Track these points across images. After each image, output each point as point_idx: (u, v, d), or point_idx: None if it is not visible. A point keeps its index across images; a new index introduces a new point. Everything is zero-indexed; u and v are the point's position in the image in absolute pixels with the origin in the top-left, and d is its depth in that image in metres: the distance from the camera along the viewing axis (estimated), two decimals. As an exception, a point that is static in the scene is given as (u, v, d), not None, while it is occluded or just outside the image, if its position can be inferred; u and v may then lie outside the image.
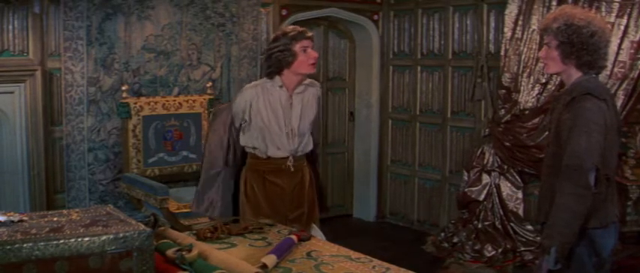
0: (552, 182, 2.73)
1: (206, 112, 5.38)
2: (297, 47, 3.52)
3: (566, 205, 2.58)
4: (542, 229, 2.78)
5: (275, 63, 3.56)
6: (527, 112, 5.33)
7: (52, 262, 2.14)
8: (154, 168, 5.20)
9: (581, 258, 2.69)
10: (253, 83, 3.71)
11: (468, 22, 6.10)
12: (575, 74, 2.75)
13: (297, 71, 3.57)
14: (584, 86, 2.70)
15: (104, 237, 2.23)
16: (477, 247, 5.47)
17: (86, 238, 2.21)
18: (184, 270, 2.64)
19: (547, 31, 2.78)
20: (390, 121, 6.93)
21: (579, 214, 2.59)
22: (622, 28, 4.88)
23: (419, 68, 6.58)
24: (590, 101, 2.64)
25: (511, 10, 5.43)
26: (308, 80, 3.72)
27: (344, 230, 6.22)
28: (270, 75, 3.61)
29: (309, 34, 3.60)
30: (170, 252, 2.71)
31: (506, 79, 5.48)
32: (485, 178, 5.66)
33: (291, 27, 3.66)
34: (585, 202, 2.59)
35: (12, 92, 4.86)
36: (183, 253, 2.66)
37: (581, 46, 2.68)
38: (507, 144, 5.47)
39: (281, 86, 3.60)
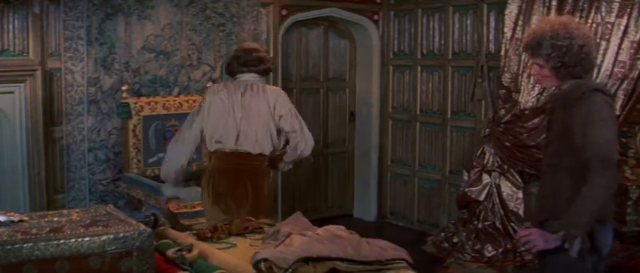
0: (556, 180, 2.73)
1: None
2: None
3: (595, 196, 2.56)
4: (542, 225, 2.76)
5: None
6: (527, 112, 5.32)
7: (53, 262, 2.14)
8: (154, 168, 5.19)
9: (582, 254, 2.68)
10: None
11: (468, 22, 6.10)
12: (570, 80, 2.77)
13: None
14: (590, 83, 2.76)
15: (104, 237, 2.23)
16: (477, 247, 5.47)
17: (86, 238, 2.21)
18: (184, 270, 2.64)
19: (534, 54, 2.78)
20: (390, 121, 6.93)
21: (602, 206, 2.61)
22: (622, 28, 4.87)
23: (419, 68, 6.58)
24: (599, 96, 2.67)
25: (511, 10, 5.43)
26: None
27: (344, 230, 6.21)
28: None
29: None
30: (170, 252, 2.71)
31: (506, 79, 5.48)
32: (486, 178, 5.65)
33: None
34: (611, 193, 2.61)
35: (12, 92, 4.86)
36: (184, 253, 2.66)
37: (574, 64, 2.71)
38: (507, 144, 5.47)
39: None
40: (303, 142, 3.91)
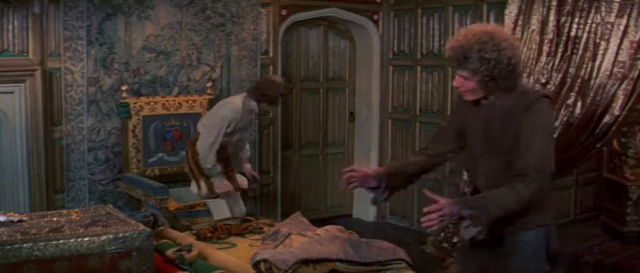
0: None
1: (206, 112, 5.37)
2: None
3: (518, 200, 2.47)
4: (501, 237, 2.67)
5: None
6: (527, 112, 5.31)
7: (52, 262, 2.15)
8: (153, 168, 5.20)
9: (474, 240, 2.63)
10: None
11: (468, 22, 6.09)
12: (498, 93, 2.65)
13: None
14: (536, 90, 2.68)
15: (104, 237, 2.23)
16: (476, 247, 5.45)
17: (86, 238, 2.21)
18: (184, 270, 2.64)
19: (460, 65, 2.62)
20: (390, 121, 6.93)
21: (517, 210, 2.53)
22: (622, 28, 4.86)
23: (419, 68, 6.57)
24: (546, 103, 2.59)
25: (511, 10, 5.42)
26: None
27: (344, 230, 6.20)
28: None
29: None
30: (170, 252, 2.71)
31: (506, 79, 5.46)
32: (485, 178, 5.64)
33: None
34: (535, 202, 2.53)
35: (12, 92, 4.86)
36: (183, 253, 2.67)
37: (503, 76, 2.58)
38: (507, 144, 5.45)
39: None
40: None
